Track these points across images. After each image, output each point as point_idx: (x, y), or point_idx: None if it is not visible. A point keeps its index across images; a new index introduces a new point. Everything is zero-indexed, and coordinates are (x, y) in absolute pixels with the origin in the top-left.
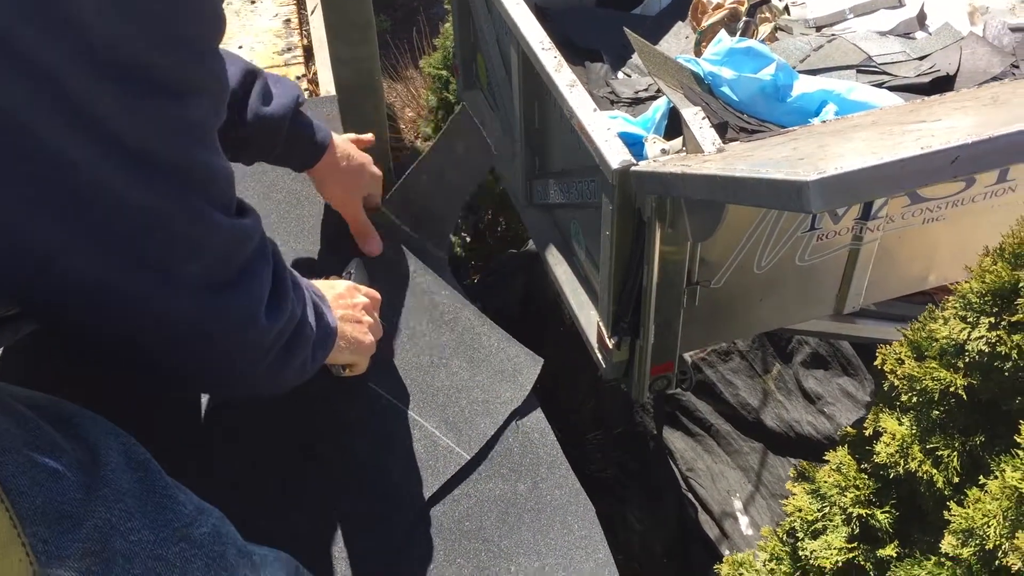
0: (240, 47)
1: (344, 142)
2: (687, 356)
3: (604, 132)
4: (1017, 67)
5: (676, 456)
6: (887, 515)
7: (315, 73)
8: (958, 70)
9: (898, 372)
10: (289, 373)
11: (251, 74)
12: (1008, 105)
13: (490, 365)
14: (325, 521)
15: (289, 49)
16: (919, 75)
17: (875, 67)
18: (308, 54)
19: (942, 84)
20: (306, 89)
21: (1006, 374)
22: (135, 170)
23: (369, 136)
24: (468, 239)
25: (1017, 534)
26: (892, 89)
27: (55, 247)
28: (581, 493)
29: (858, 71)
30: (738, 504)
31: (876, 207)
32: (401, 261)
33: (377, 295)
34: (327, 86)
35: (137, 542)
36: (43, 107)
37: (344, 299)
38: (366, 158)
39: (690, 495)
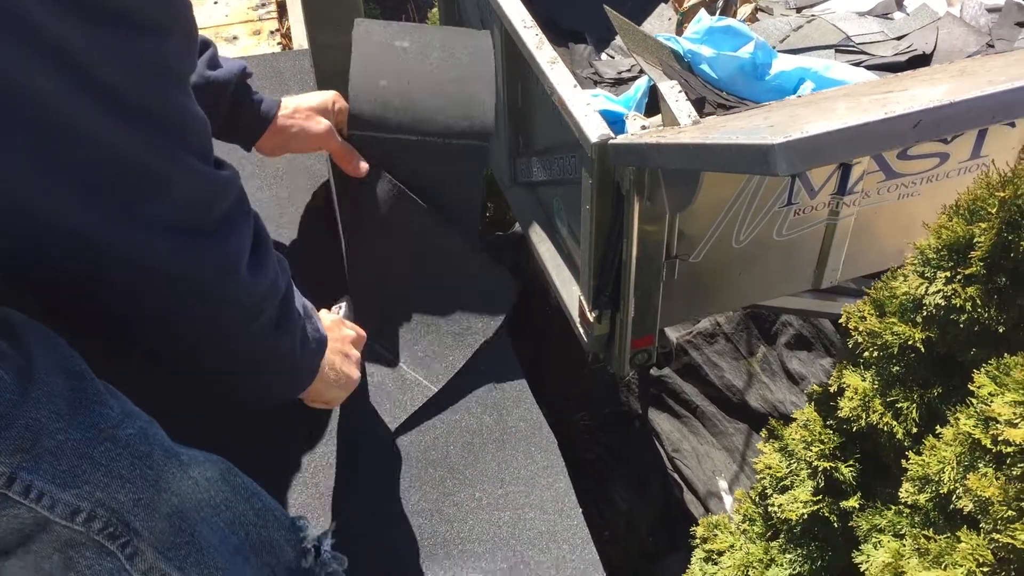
0: (215, 2)
1: (290, 101)
2: (672, 335)
3: (583, 107)
4: (992, 46)
5: (662, 437)
6: (851, 469)
7: (288, 28)
8: (935, 49)
9: (860, 328)
10: (280, 355)
11: (205, 43)
12: (974, 76)
13: (464, 296)
14: (290, 449)
15: (263, 4)
16: (896, 54)
17: (853, 47)
18: (282, 10)
19: (919, 63)
20: (279, 44)
21: (961, 326)
22: (104, 104)
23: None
24: None
25: (968, 476)
26: (870, 68)
27: (24, 185)
28: (544, 426)
29: (836, 51)
30: (723, 484)
31: (852, 182)
32: (378, 191)
33: (363, 332)
34: (300, 40)
35: (64, 441)
36: (9, 41)
37: (332, 331)
38: (317, 101)
39: (676, 475)
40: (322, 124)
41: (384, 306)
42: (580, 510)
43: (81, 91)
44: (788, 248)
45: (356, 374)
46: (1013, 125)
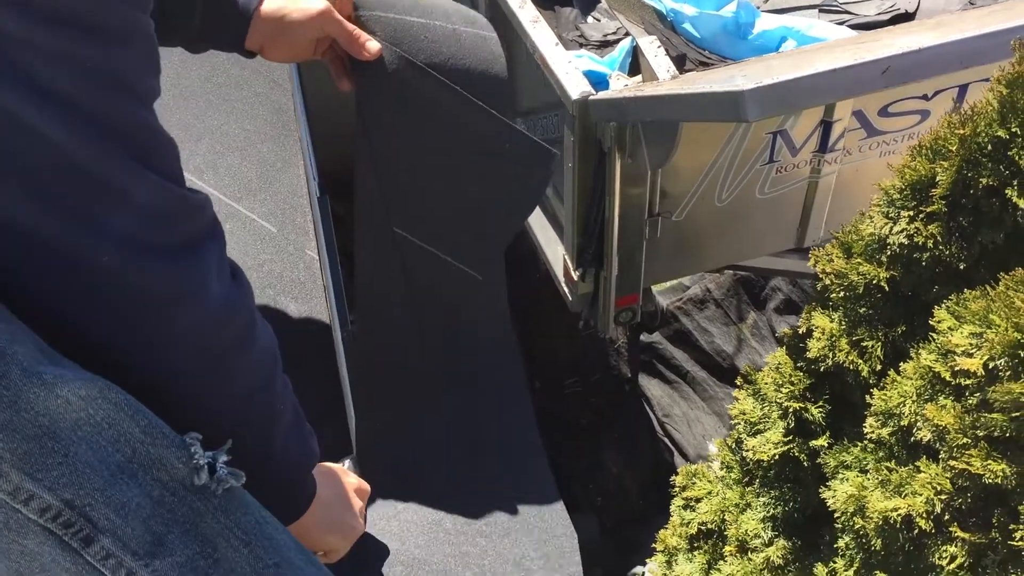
0: None
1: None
2: (662, 301)
3: (564, 65)
4: (973, 4)
5: (653, 403)
6: (820, 409)
7: None
8: (917, 8)
9: (828, 270)
10: (259, 427)
11: None
12: (949, 28)
13: (505, 172)
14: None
15: None
16: (879, 13)
17: (836, 6)
18: None
19: (901, 22)
20: None
21: (924, 264)
22: (51, 107)
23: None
24: None
25: (927, 406)
26: (853, 27)
27: None
28: (512, 338)
29: (820, 10)
30: (713, 448)
31: (833, 139)
32: (397, 70)
33: (367, 486)
34: None
35: None
36: None
37: (333, 476)
38: None
39: (666, 440)
40: (318, 2)
41: (419, 196)
42: (534, 414)
43: (28, 92)
44: (771, 206)
45: (358, 523)
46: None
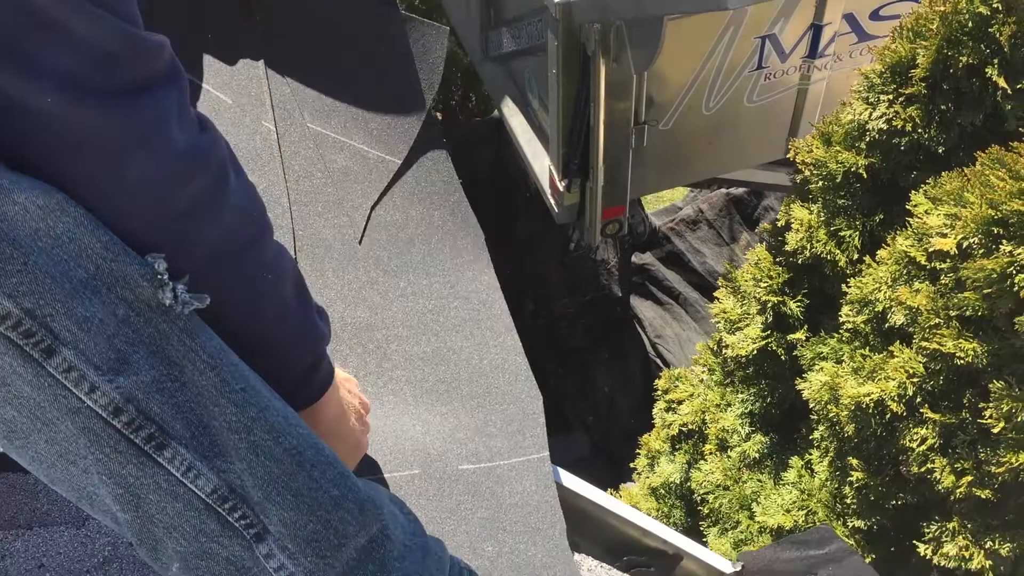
0: None
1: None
2: (654, 221)
3: None
4: None
5: (645, 324)
6: (798, 304)
7: None
8: None
9: (807, 160)
10: (256, 278)
11: None
12: None
13: (399, 60)
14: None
15: None
16: None
17: None
18: None
19: None
20: None
21: (903, 149)
22: None
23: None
24: (440, 116)
25: (900, 289)
26: None
27: None
28: (472, 218)
29: None
30: None
31: (823, 44)
32: None
33: (368, 404)
34: None
35: None
36: None
37: (350, 384)
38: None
39: (658, 360)
40: None
41: (324, 92)
42: (504, 301)
43: None
44: (759, 115)
45: (365, 440)
46: None
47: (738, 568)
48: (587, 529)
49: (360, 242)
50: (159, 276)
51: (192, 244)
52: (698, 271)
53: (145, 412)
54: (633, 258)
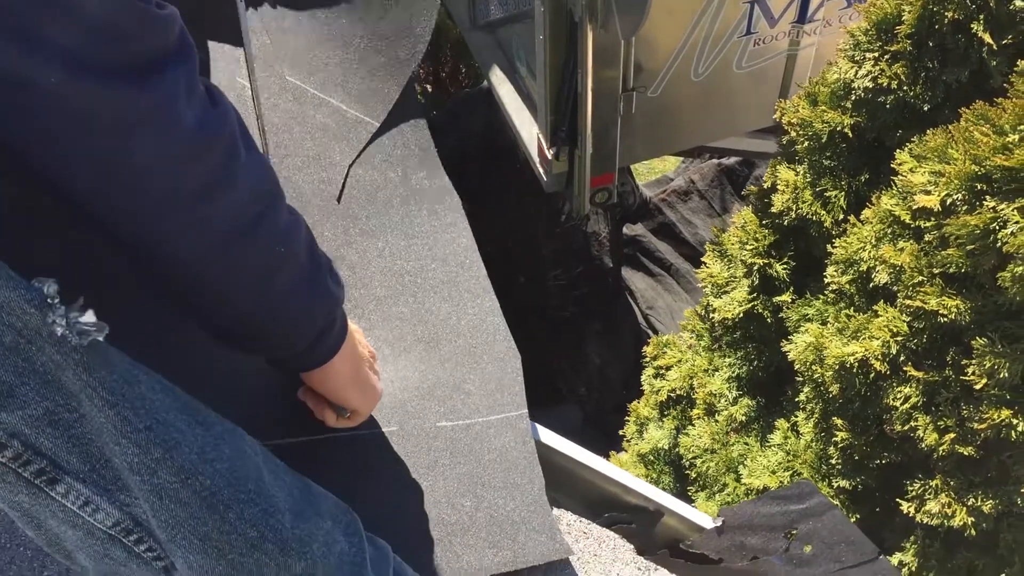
0: None
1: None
2: (646, 193)
3: None
4: None
5: (637, 295)
6: (784, 266)
7: None
8: None
9: (793, 120)
10: (262, 258)
11: None
12: None
13: (384, 24)
14: None
15: None
16: None
17: None
18: None
19: None
20: None
21: (888, 108)
22: None
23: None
24: (429, 88)
25: (884, 246)
26: None
27: None
28: (449, 184)
29: None
30: None
31: (812, 9)
32: None
33: (375, 352)
34: None
35: None
36: None
37: (359, 335)
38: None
39: (649, 332)
40: None
41: (305, 50)
42: (482, 264)
43: None
44: (749, 81)
45: (379, 386)
46: None
47: (719, 524)
48: (568, 486)
49: (339, 200)
50: (49, 301)
51: (204, 224)
52: (689, 242)
53: (33, 447)
54: (624, 229)
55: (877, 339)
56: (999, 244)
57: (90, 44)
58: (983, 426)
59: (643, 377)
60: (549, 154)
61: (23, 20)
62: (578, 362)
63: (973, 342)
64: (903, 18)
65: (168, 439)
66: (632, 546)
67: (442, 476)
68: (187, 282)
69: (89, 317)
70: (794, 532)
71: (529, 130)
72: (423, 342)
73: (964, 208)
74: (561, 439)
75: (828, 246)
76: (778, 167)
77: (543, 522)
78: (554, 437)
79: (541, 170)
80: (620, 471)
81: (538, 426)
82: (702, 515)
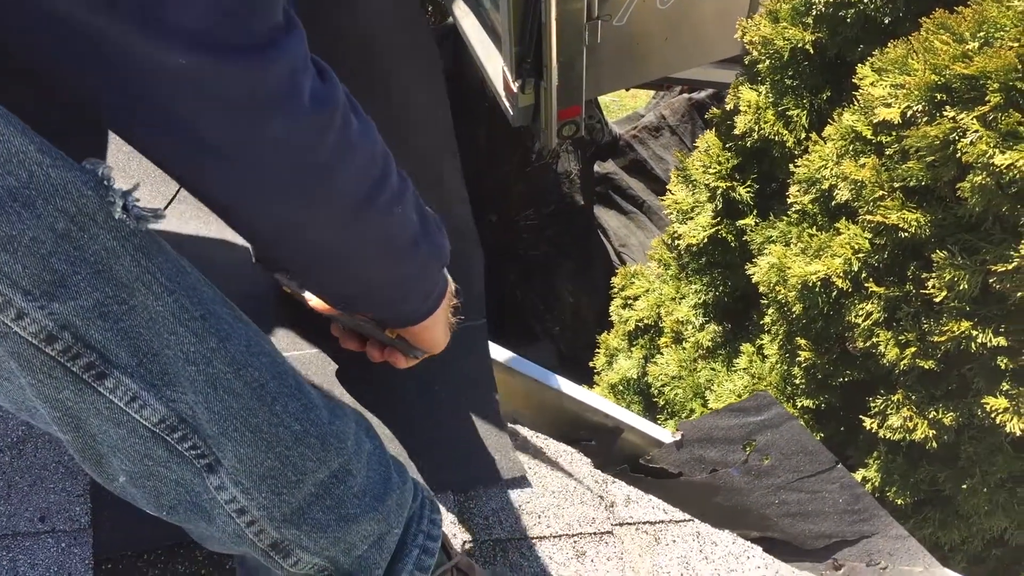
0: None
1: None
2: (616, 130)
3: None
4: None
5: (609, 233)
6: (748, 189)
7: None
8: None
9: (755, 39)
10: (379, 228)
11: None
12: None
13: None
14: None
15: None
16: None
17: None
18: None
19: None
20: None
21: (849, 22)
22: None
23: None
24: None
25: (845, 162)
26: None
27: None
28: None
29: None
30: None
31: None
32: None
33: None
34: None
35: None
36: None
37: None
38: None
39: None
40: None
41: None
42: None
43: None
44: (715, 9)
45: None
46: None
47: (677, 437)
48: (527, 405)
49: None
50: (104, 184)
51: (333, 196)
52: (661, 179)
53: (84, 339)
54: (596, 167)
55: (839, 257)
56: (958, 155)
57: (209, 24)
58: (943, 339)
59: (611, 308)
60: (515, 87)
61: (142, 3)
62: (552, 301)
63: (933, 255)
64: None
65: (221, 328)
66: (589, 460)
67: (401, 401)
68: (315, 259)
69: (144, 203)
70: (752, 444)
71: (495, 64)
72: None
73: (924, 120)
74: (520, 359)
75: (791, 166)
76: (740, 88)
77: (498, 441)
78: (513, 357)
79: (508, 104)
80: (579, 389)
81: (497, 346)
82: (661, 430)
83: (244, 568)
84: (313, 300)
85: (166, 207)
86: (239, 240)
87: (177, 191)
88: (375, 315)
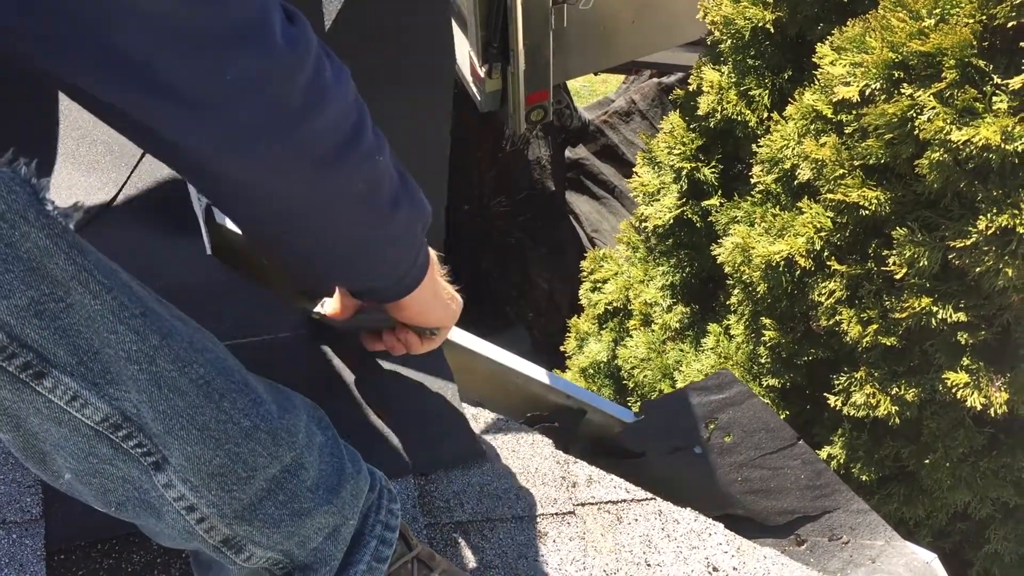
0: None
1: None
2: (585, 115)
3: None
4: None
5: (581, 219)
6: (712, 170)
7: None
8: None
9: (716, 19)
10: (327, 136)
11: None
12: None
13: None
14: None
15: None
16: None
17: None
18: None
19: None
20: None
21: (808, 1)
22: None
23: None
24: None
25: (806, 141)
26: None
27: None
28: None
29: None
30: None
31: None
32: None
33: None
34: None
35: None
36: None
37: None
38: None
39: None
40: None
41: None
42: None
43: None
44: None
45: (456, 301)
46: None
47: (641, 417)
48: (492, 388)
49: None
50: (31, 182)
51: (304, 147)
52: (632, 164)
53: (19, 338)
54: (567, 153)
55: (802, 236)
56: (916, 132)
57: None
58: (904, 315)
59: (581, 291)
60: (482, 72)
61: None
62: (525, 287)
63: (893, 233)
64: None
65: (162, 326)
66: (551, 441)
67: (358, 385)
68: (288, 220)
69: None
70: (715, 422)
71: (461, 49)
72: None
73: (883, 97)
74: (482, 342)
75: (754, 146)
76: (703, 68)
77: (457, 424)
78: (475, 340)
79: (475, 89)
80: (541, 370)
81: (461, 331)
82: (623, 409)
83: (197, 562)
84: (330, 308)
85: (115, 196)
86: (194, 230)
87: (128, 176)
88: (360, 287)
